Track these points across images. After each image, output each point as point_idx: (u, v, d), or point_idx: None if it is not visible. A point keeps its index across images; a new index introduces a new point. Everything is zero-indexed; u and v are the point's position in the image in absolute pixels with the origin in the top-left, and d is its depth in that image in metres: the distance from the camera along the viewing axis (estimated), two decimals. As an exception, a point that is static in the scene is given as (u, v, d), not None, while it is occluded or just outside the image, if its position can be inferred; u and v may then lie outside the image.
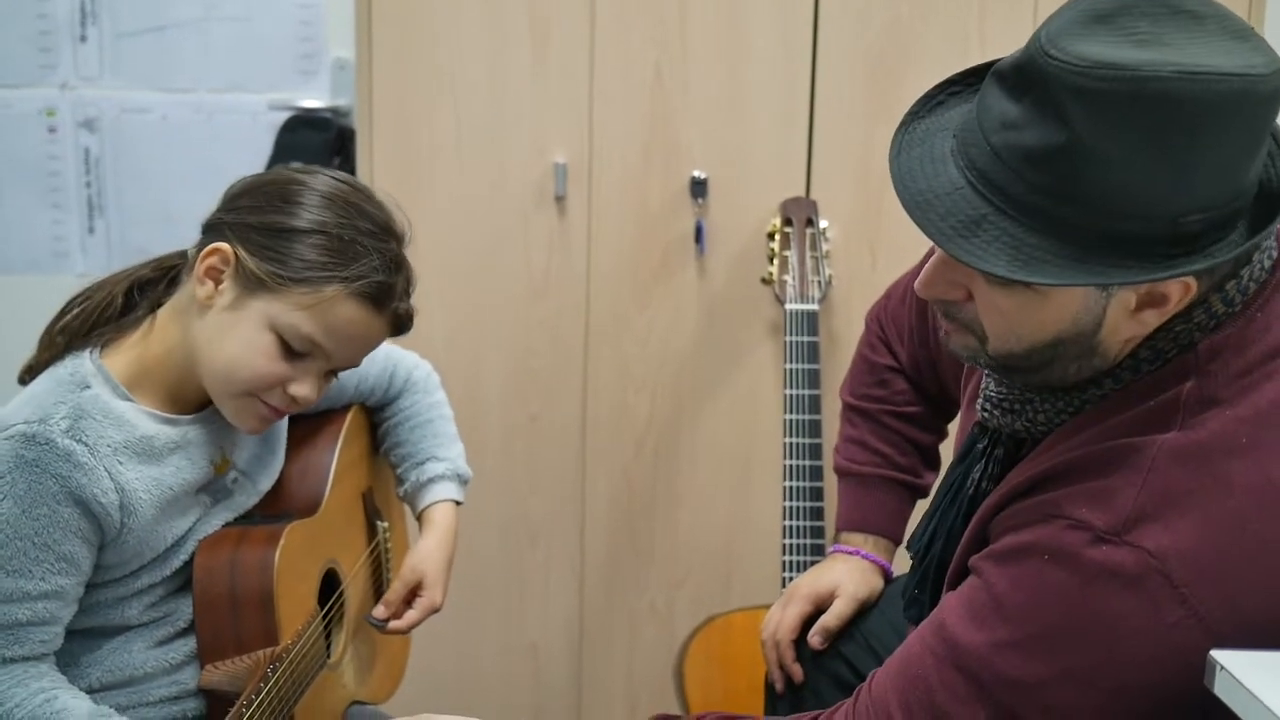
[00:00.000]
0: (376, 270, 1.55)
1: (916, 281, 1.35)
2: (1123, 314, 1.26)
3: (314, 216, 1.54)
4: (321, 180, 1.59)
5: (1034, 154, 1.20)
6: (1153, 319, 1.26)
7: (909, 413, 1.87)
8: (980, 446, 1.44)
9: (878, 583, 1.83)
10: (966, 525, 1.42)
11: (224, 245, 1.54)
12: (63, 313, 1.61)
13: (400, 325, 1.62)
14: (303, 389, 1.57)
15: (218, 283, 1.54)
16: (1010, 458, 1.41)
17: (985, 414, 1.42)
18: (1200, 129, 1.16)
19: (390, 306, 1.58)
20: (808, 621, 1.80)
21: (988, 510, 1.36)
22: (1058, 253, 1.20)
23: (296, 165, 1.75)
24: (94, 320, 1.59)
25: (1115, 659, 1.23)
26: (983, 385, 1.43)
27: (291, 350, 1.54)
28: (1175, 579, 1.21)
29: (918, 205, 1.25)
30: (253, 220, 1.55)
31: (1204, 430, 1.25)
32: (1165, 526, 1.22)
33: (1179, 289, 1.24)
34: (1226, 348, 1.28)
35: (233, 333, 1.54)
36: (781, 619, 1.81)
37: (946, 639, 1.31)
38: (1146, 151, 1.16)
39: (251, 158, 2.87)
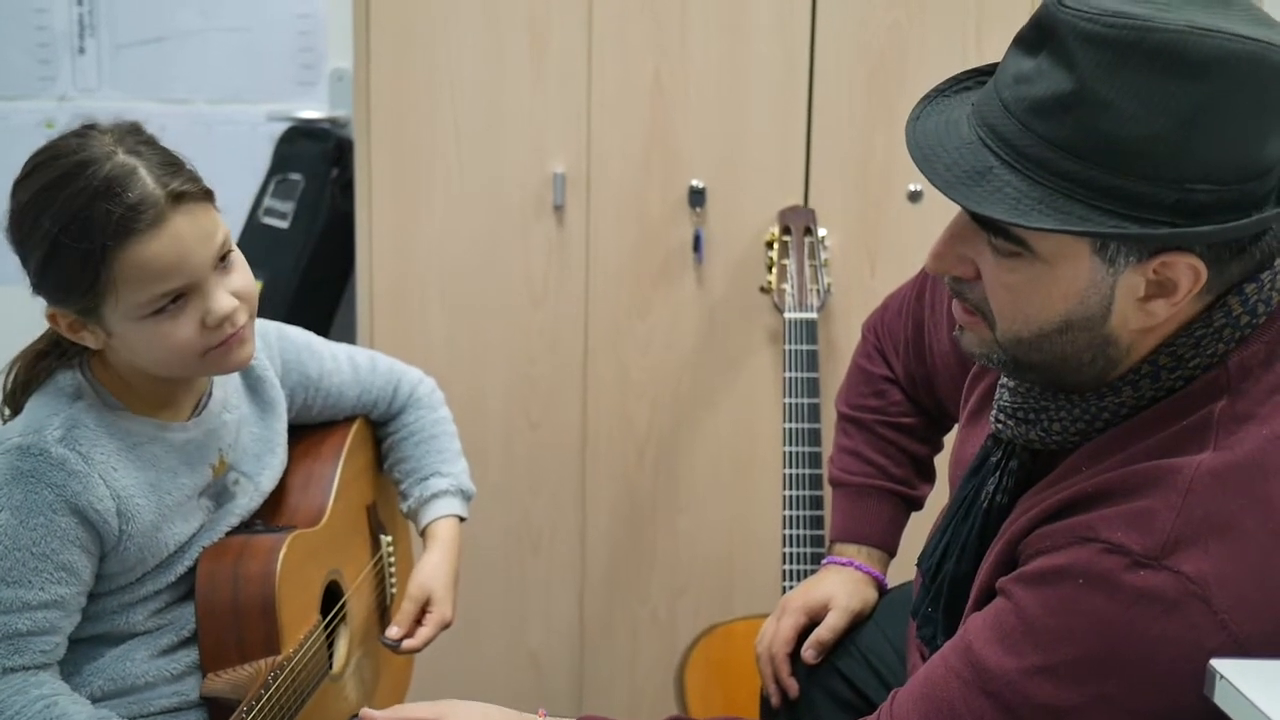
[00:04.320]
0: (112, 208, 1.43)
1: (928, 255, 1.33)
2: (1131, 300, 1.24)
3: (42, 228, 1.45)
4: (28, 185, 1.48)
5: (1042, 104, 1.19)
6: (1162, 310, 1.24)
7: (904, 424, 1.86)
8: (994, 459, 1.41)
9: (871, 594, 1.81)
10: (981, 540, 1.40)
11: (52, 311, 1.51)
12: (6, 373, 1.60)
13: (190, 197, 1.47)
14: (216, 311, 1.50)
15: (86, 330, 1.52)
16: (1025, 470, 1.38)
17: (999, 425, 1.39)
18: (1206, 85, 1.15)
19: (158, 209, 1.44)
20: (802, 634, 1.78)
21: (1016, 532, 1.32)
22: (1059, 208, 1.19)
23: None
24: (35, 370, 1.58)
25: (1152, 685, 1.21)
26: (996, 396, 1.41)
27: (171, 308, 1.49)
28: (1215, 604, 1.19)
29: (925, 158, 1.25)
30: (35, 278, 1.49)
31: (1240, 450, 1.23)
32: (1204, 550, 1.19)
33: (1188, 275, 1.22)
34: (1256, 364, 1.26)
35: (139, 345, 1.52)
36: (775, 632, 1.79)
37: (974, 663, 1.28)
38: (1151, 103, 1.15)
39: (250, 169, 2.87)
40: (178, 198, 1.46)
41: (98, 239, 1.43)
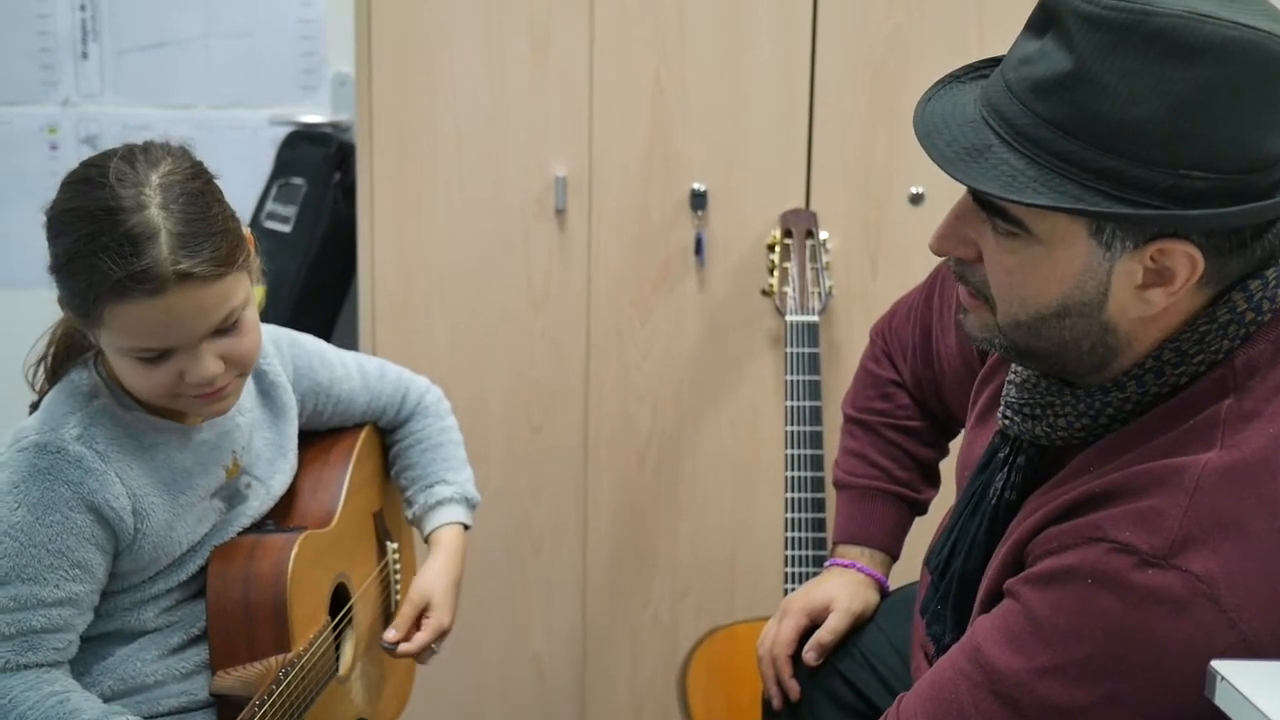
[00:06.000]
0: (114, 268, 1.41)
1: (931, 237, 1.34)
2: (1128, 287, 1.24)
3: (57, 248, 1.46)
4: (61, 196, 1.48)
5: (1041, 84, 1.21)
6: (1160, 299, 1.24)
7: (910, 427, 1.86)
8: (1001, 455, 1.41)
9: (873, 596, 1.81)
10: (989, 537, 1.40)
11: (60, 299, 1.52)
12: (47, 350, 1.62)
13: (198, 279, 1.44)
14: (196, 373, 1.50)
15: (84, 331, 1.53)
16: (1033, 467, 1.38)
17: (1006, 421, 1.40)
18: (1201, 70, 1.16)
19: (161, 281, 1.42)
20: (804, 636, 1.78)
21: (1023, 534, 1.32)
22: (1053, 186, 1.20)
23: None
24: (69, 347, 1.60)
25: (1161, 684, 1.21)
26: (1004, 392, 1.41)
27: (152, 358, 1.49)
28: (1224, 603, 1.19)
29: (927, 134, 1.27)
30: (50, 269, 1.49)
31: (1247, 449, 1.23)
32: (1212, 549, 1.20)
33: (1185, 265, 1.22)
34: (1262, 362, 1.26)
35: (119, 369, 1.54)
36: (777, 634, 1.79)
37: (983, 665, 1.28)
38: (1146, 86, 1.16)
39: (252, 173, 2.88)
40: (184, 277, 1.43)
41: (93, 288, 1.43)
